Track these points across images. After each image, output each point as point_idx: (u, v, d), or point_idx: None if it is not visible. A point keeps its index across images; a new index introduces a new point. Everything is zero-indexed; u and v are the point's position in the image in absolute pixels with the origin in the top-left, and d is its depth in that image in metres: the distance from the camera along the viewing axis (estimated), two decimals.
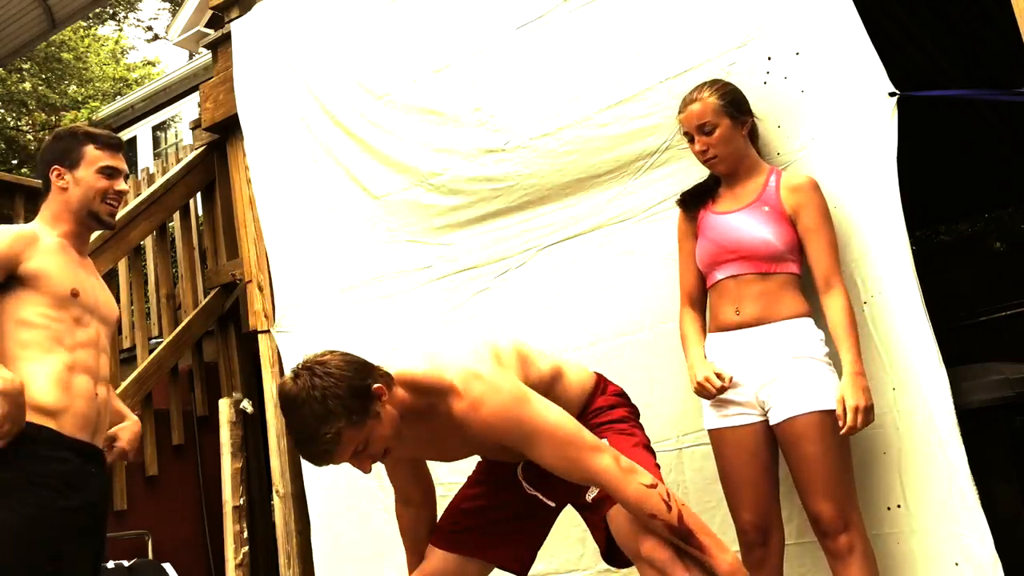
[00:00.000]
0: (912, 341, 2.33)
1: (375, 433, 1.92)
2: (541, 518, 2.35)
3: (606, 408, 2.27)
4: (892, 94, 2.42)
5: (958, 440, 2.24)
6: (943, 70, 4.49)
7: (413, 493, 2.37)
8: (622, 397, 2.35)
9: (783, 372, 2.32)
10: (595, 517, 2.16)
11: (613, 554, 2.16)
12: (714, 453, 2.46)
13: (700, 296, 2.56)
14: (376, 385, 1.93)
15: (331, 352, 1.97)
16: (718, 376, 2.38)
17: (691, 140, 2.53)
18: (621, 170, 2.90)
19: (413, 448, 2.19)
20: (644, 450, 2.19)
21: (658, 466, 2.21)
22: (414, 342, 2.26)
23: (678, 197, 2.65)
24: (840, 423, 2.21)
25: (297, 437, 1.91)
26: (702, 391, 2.41)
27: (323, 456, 1.90)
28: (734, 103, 2.48)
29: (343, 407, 1.86)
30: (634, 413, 2.34)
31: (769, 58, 2.62)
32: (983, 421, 2.88)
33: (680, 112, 2.54)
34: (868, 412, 2.21)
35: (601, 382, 2.34)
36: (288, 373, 1.96)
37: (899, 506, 2.37)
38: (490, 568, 2.31)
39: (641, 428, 2.30)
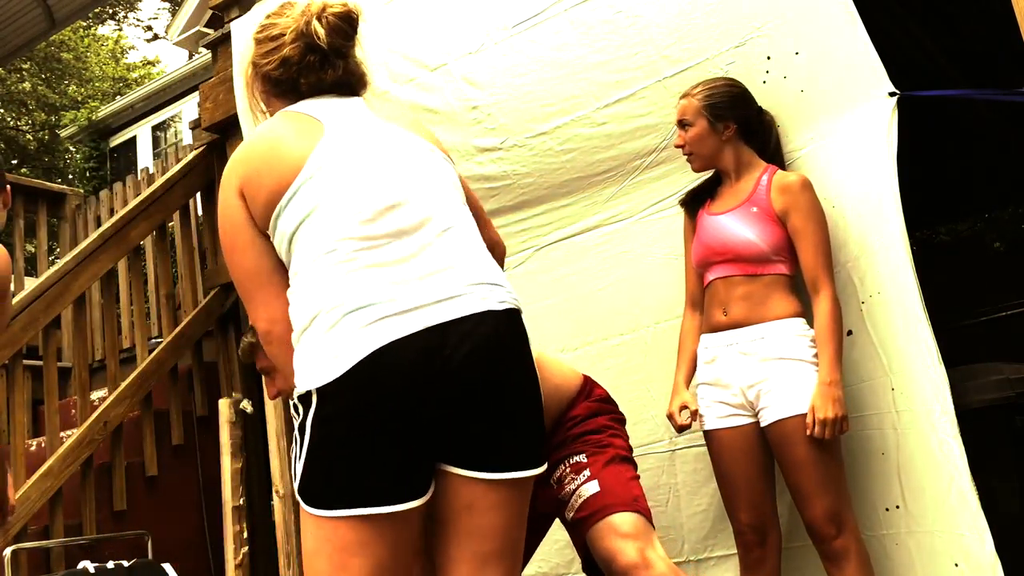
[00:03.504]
0: (912, 341, 2.32)
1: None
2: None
3: (584, 417, 2.23)
4: (892, 94, 2.41)
5: (958, 440, 2.22)
6: (943, 70, 4.48)
7: None
8: (605, 403, 2.31)
9: (770, 373, 2.31)
10: (575, 536, 2.15)
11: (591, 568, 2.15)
12: (710, 454, 2.45)
13: (702, 298, 2.55)
14: None
15: None
16: (684, 408, 2.42)
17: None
18: (618, 169, 2.90)
19: None
20: (618, 464, 2.16)
21: (637, 476, 2.20)
22: None
23: (681, 197, 2.65)
24: (808, 432, 2.21)
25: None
26: (670, 420, 2.47)
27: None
28: (716, 107, 2.47)
29: None
30: (616, 419, 2.30)
31: (768, 58, 2.61)
32: (983, 421, 2.87)
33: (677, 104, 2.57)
34: (837, 423, 2.20)
35: (587, 386, 2.30)
36: None
37: (898, 507, 2.36)
38: None
39: (623, 434, 2.27)
